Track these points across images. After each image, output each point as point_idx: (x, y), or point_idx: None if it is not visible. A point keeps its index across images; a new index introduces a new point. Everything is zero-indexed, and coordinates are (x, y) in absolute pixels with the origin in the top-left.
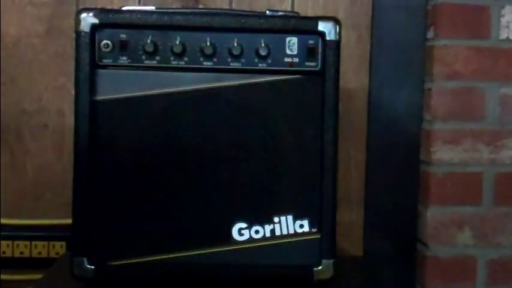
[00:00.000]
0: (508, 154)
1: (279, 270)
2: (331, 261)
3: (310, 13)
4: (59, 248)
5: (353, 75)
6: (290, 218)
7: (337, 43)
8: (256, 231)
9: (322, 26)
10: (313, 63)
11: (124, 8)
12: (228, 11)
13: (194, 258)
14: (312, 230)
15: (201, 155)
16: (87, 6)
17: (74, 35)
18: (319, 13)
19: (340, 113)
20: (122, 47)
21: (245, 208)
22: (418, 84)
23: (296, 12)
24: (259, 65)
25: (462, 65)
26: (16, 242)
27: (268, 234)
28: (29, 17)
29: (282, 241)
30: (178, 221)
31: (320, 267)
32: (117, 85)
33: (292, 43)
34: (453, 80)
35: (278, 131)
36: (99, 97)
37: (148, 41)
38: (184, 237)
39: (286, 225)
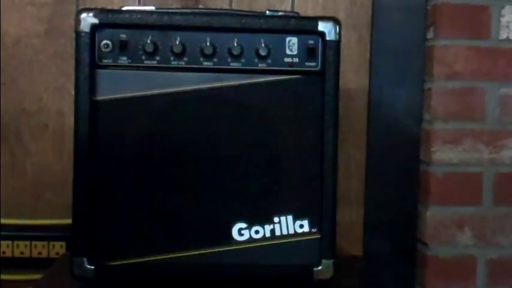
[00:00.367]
0: (508, 154)
1: (279, 270)
2: (331, 261)
3: (310, 13)
4: (58, 248)
5: (353, 75)
6: (290, 218)
7: (337, 43)
8: (256, 231)
9: (322, 26)
10: (313, 63)
11: (124, 8)
12: (228, 11)
13: (194, 258)
14: (312, 230)
15: (201, 155)
16: (87, 6)
17: (73, 35)
18: (319, 13)
19: (340, 113)
20: (122, 47)
21: (245, 208)
22: (418, 84)
23: (296, 13)
24: (259, 65)
25: (462, 65)
26: (16, 242)
27: (268, 234)
28: (29, 17)
29: (282, 241)
30: (178, 221)
31: (320, 267)
32: (117, 85)
33: (292, 43)
34: (453, 80)
35: (278, 131)
36: (99, 97)
37: (148, 41)
38: (184, 237)
39: (286, 225)
